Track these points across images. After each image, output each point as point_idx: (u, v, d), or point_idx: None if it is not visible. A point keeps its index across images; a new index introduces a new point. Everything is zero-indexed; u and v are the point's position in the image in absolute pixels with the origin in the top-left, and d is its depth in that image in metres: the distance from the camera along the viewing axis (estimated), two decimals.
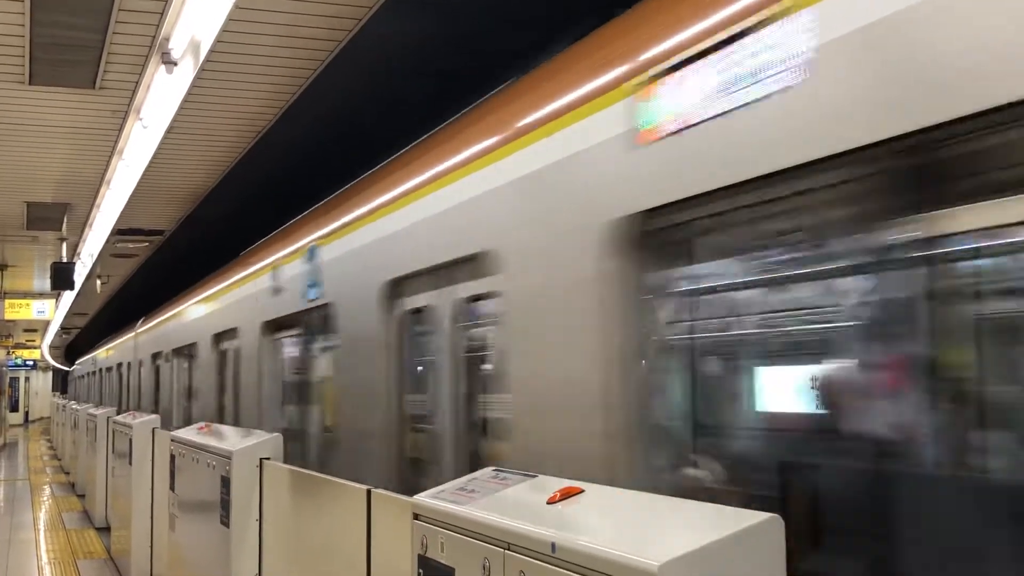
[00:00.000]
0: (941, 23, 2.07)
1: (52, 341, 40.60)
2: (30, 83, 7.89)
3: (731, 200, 2.70)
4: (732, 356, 3.10)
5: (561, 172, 3.45)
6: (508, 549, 2.50)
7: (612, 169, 3.15)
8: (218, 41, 6.68)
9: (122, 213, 12.50)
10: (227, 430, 6.60)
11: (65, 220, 13.66)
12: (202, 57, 6.94)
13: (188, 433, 6.99)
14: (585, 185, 3.30)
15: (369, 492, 3.81)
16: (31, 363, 50.64)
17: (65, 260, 15.40)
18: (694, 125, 2.78)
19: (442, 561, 2.86)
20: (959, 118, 2.04)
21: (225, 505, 5.51)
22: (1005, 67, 1.94)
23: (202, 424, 7.34)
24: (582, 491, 2.64)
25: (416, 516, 3.08)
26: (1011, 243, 2.19)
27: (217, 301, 10.07)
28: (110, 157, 10.31)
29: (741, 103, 2.60)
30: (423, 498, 3.09)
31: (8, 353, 41.30)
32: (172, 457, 7.26)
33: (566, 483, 2.73)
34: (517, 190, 3.75)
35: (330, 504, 4.33)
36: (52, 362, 53.38)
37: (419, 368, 5.11)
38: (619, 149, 3.12)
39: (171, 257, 17.04)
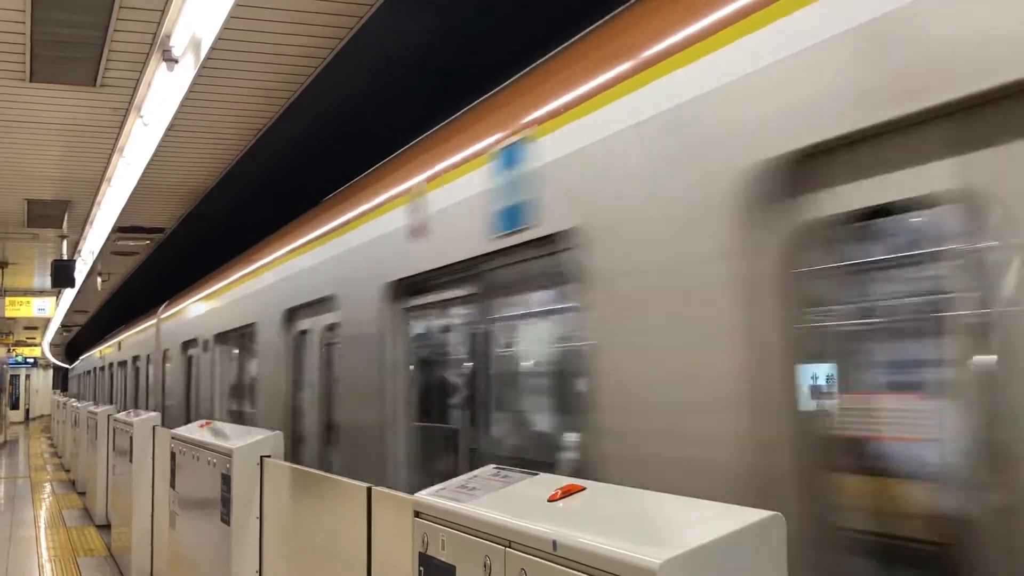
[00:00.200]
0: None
1: (53, 339, 40.64)
2: (31, 80, 7.89)
3: None
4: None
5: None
6: (509, 547, 2.49)
7: None
8: (219, 39, 6.69)
9: (123, 211, 12.51)
10: (227, 428, 6.60)
11: (66, 217, 13.66)
12: (203, 55, 6.94)
13: (188, 431, 6.99)
14: None
15: (369, 490, 3.80)
16: (32, 361, 50.65)
17: (66, 258, 15.41)
18: None
19: (443, 559, 2.86)
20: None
21: (226, 503, 5.51)
22: None
23: (202, 422, 7.34)
24: (583, 489, 2.64)
25: (417, 514, 3.07)
26: None
27: (287, 266, 7.32)
28: (111, 154, 10.31)
29: None
30: (424, 496, 3.09)
31: (9, 351, 41.29)
32: (172, 455, 7.26)
33: (567, 481, 2.73)
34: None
35: (331, 502, 4.33)
36: (53, 360, 53.44)
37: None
38: None
39: (172, 255, 17.05)
